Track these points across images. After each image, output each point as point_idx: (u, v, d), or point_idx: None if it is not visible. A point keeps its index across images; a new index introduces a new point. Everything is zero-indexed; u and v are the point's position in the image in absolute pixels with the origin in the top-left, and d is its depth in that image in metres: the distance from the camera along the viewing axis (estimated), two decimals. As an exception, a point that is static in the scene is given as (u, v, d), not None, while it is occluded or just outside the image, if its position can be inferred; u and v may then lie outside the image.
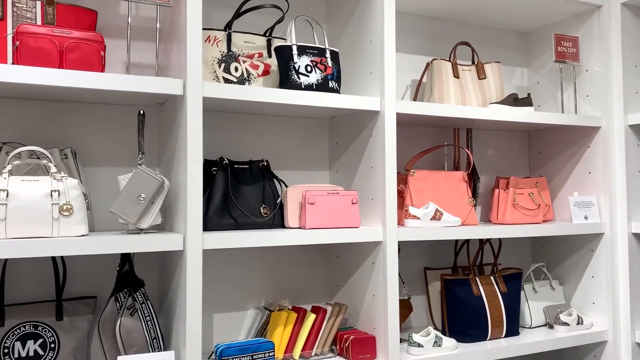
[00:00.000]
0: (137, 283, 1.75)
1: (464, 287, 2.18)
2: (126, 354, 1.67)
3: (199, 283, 1.62)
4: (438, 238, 1.99)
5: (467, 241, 2.32)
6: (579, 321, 2.31)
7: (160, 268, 1.95)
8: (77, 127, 1.85)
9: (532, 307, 2.38)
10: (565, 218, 2.53)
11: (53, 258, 1.76)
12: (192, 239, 1.63)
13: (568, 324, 2.28)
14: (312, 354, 1.94)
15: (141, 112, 1.67)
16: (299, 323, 1.95)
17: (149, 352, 1.69)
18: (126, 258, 1.78)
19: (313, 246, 2.23)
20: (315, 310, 1.99)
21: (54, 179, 1.53)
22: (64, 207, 1.51)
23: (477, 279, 2.22)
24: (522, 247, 2.70)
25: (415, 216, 2.01)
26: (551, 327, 2.36)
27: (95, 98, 1.77)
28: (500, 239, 2.33)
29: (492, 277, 2.26)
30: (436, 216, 2.02)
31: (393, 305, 1.89)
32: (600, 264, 2.37)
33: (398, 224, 1.99)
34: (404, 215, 2.05)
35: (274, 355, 1.78)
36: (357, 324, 2.07)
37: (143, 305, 1.72)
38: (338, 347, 1.97)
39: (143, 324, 1.70)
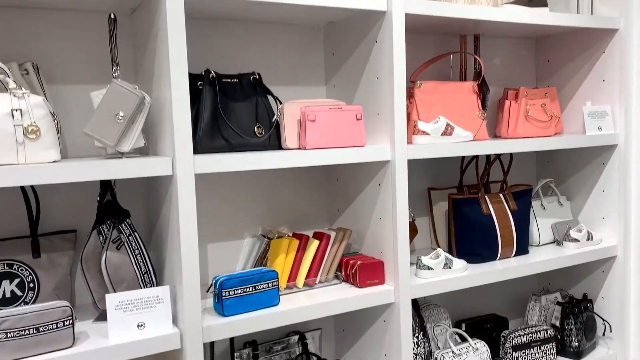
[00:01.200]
0: (121, 214, 1.56)
1: (473, 207, 2.05)
2: (115, 291, 1.51)
3: (193, 211, 1.44)
4: (450, 155, 1.83)
5: (475, 158, 2.17)
6: (589, 237, 2.22)
7: (146, 197, 1.76)
8: (38, 38, 1.58)
9: (541, 224, 2.27)
10: (573, 130, 2.38)
11: (22, 189, 1.55)
12: (182, 162, 1.43)
13: (578, 240, 2.19)
14: (317, 282, 1.82)
15: (112, 15, 1.41)
16: (302, 250, 1.80)
17: (140, 288, 1.54)
18: (107, 186, 1.58)
19: (312, 169, 2.05)
20: (318, 236, 1.84)
21: (14, 96, 1.30)
22: (29, 129, 1.29)
23: (486, 197, 2.09)
24: (527, 162, 2.56)
25: (424, 132, 1.83)
26: (559, 244, 2.27)
27: (58, 2, 1.50)
28: (511, 154, 2.18)
29: (501, 195, 2.13)
30: (447, 131, 1.85)
31: (402, 227, 1.75)
32: (612, 178, 2.25)
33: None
34: (412, 132, 1.87)
35: (277, 284, 1.64)
36: (362, 249, 1.94)
37: (130, 237, 1.54)
38: (343, 273, 1.85)
39: (131, 258, 1.53)
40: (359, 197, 1.92)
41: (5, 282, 1.51)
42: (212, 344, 1.78)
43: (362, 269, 1.78)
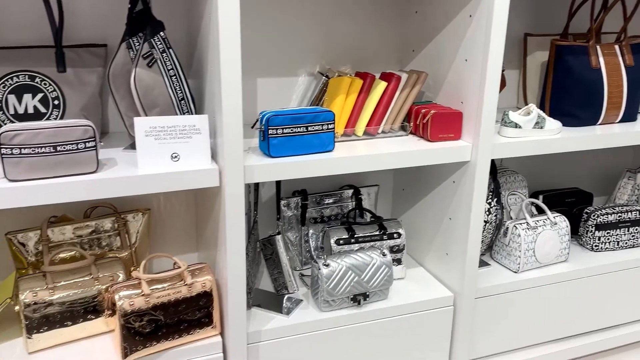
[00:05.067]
0: (154, 25, 1.30)
1: (580, 57, 1.66)
2: (147, 116, 1.31)
3: (236, 25, 1.16)
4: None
5: (591, -3, 1.74)
6: None
7: (185, 3, 1.49)
8: None
9: (657, 89, 1.87)
10: None
11: (41, -12, 1.31)
12: (225, -42, 1.12)
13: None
14: (379, 131, 1.55)
15: None
16: (365, 92, 1.52)
17: (176, 115, 1.33)
18: (138, -9, 1.31)
19: (384, -4, 1.69)
20: (386, 77, 1.54)
21: None
22: None
23: (597, 47, 1.69)
24: None
25: None
26: (675, 114, 1.88)
27: None
28: (639, -5, 1.73)
29: (616, 47, 1.72)
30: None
31: (493, 74, 1.42)
32: None
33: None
34: None
35: (333, 128, 1.39)
36: (437, 98, 1.63)
37: (164, 54, 1.30)
38: (412, 123, 1.57)
39: (166, 79, 1.30)
40: (442, 32, 1.57)
41: (27, 96, 1.32)
42: (256, 187, 1.60)
43: (435, 120, 1.49)
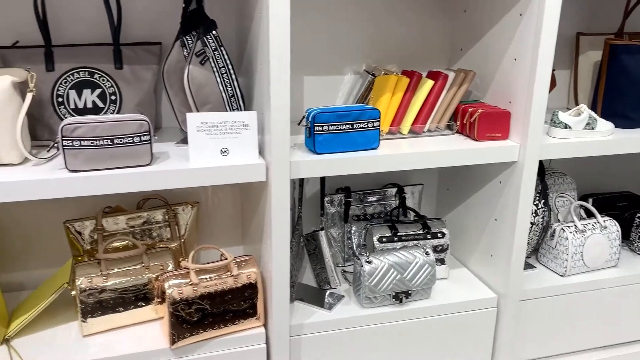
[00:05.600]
0: (207, 24, 1.34)
1: (636, 56, 1.61)
2: (198, 112, 1.35)
3: (286, 25, 1.19)
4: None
5: (649, -6, 1.68)
6: None
7: (237, 2, 1.53)
8: None
9: None
10: None
11: (102, -12, 1.37)
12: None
13: None
14: (425, 130, 1.55)
15: None
16: (411, 90, 1.52)
17: (226, 111, 1.37)
18: (192, -9, 1.36)
19: (433, -5, 1.69)
20: (433, 75, 1.54)
21: None
22: None
23: (654, 47, 1.64)
24: None
25: None
26: None
27: None
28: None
29: (675, 46, 1.66)
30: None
31: (543, 73, 1.39)
32: None
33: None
34: None
35: (379, 125, 1.40)
36: (484, 98, 1.62)
37: (216, 52, 1.34)
38: (459, 122, 1.56)
39: (217, 76, 1.34)
40: (492, 31, 1.56)
41: (87, 92, 1.39)
42: (301, 182, 1.62)
43: (482, 119, 1.48)
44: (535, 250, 1.81)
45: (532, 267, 1.75)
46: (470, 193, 1.70)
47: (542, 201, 1.68)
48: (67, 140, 1.16)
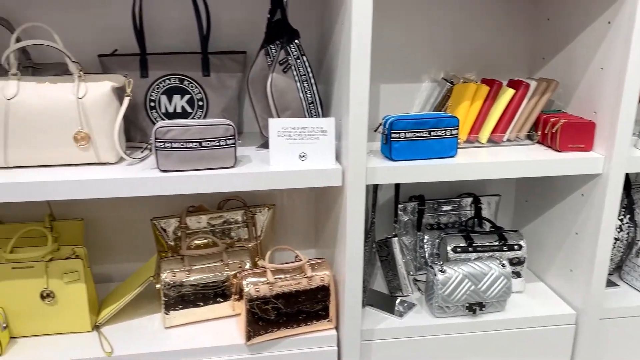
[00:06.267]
0: (290, 34, 1.40)
1: None
2: (279, 117, 1.41)
3: (368, 29, 1.21)
4: None
5: None
6: None
7: (319, 17, 1.58)
8: None
9: None
10: None
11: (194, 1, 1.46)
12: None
13: None
14: (504, 139, 1.53)
15: None
16: (491, 99, 1.51)
17: (305, 117, 1.41)
18: (277, 1, 1.41)
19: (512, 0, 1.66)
20: (513, 84, 1.51)
21: None
22: None
23: None
24: None
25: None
26: None
27: None
28: None
29: None
30: None
31: (632, 83, 1.34)
32: None
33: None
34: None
35: (457, 133, 1.40)
36: (567, 108, 1.57)
37: (298, 61, 1.39)
38: (540, 132, 1.53)
39: (298, 84, 1.39)
40: (580, 37, 1.52)
41: (177, 97, 1.48)
42: (375, 189, 1.64)
43: (565, 129, 1.44)
44: (618, 267, 1.72)
45: (615, 284, 1.67)
46: (550, 205, 1.65)
47: (628, 216, 1.61)
48: (160, 142, 1.24)
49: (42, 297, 1.39)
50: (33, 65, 1.42)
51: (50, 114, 1.24)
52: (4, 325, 1.36)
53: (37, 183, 1.19)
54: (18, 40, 1.27)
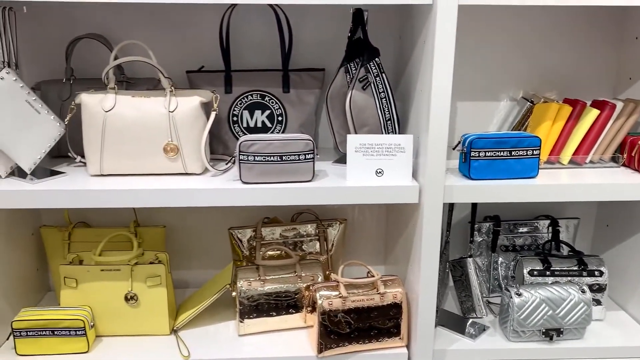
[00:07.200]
0: (371, 52, 1.42)
1: None
2: (356, 134, 1.43)
3: (451, 45, 1.22)
4: None
5: None
6: None
7: (398, 34, 1.60)
8: None
9: None
10: None
11: (277, 16, 1.51)
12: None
13: None
14: (587, 160, 1.48)
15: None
16: (574, 119, 1.47)
17: (382, 134, 1.42)
18: (359, 21, 1.44)
19: (596, 17, 1.62)
20: (598, 105, 1.47)
21: None
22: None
23: None
24: None
25: None
26: None
27: None
28: None
29: None
30: None
31: None
32: None
33: None
34: None
35: (539, 154, 1.37)
36: (656, 129, 1.51)
37: (377, 78, 1.41)
38: (625, 155, 1.47)
39: (377, 101, 1.41)
40: (666, 60, 1.46)
41: (257, 112, 1.53)
42: (450, 207, 1.63)
43: (654, 152, 1.38)
44: None
45: None
46: (634, 231, 1.58)
47: None
48: (244, 155, 1.29)
49: (126, 299, 1.46)
50: (127, 80, 1.52)
51: (142, 125, 1.32)
52: (91, 323, 1.44)
53: (128, 191, 1.27)
54: (116, 57, 1.36)
